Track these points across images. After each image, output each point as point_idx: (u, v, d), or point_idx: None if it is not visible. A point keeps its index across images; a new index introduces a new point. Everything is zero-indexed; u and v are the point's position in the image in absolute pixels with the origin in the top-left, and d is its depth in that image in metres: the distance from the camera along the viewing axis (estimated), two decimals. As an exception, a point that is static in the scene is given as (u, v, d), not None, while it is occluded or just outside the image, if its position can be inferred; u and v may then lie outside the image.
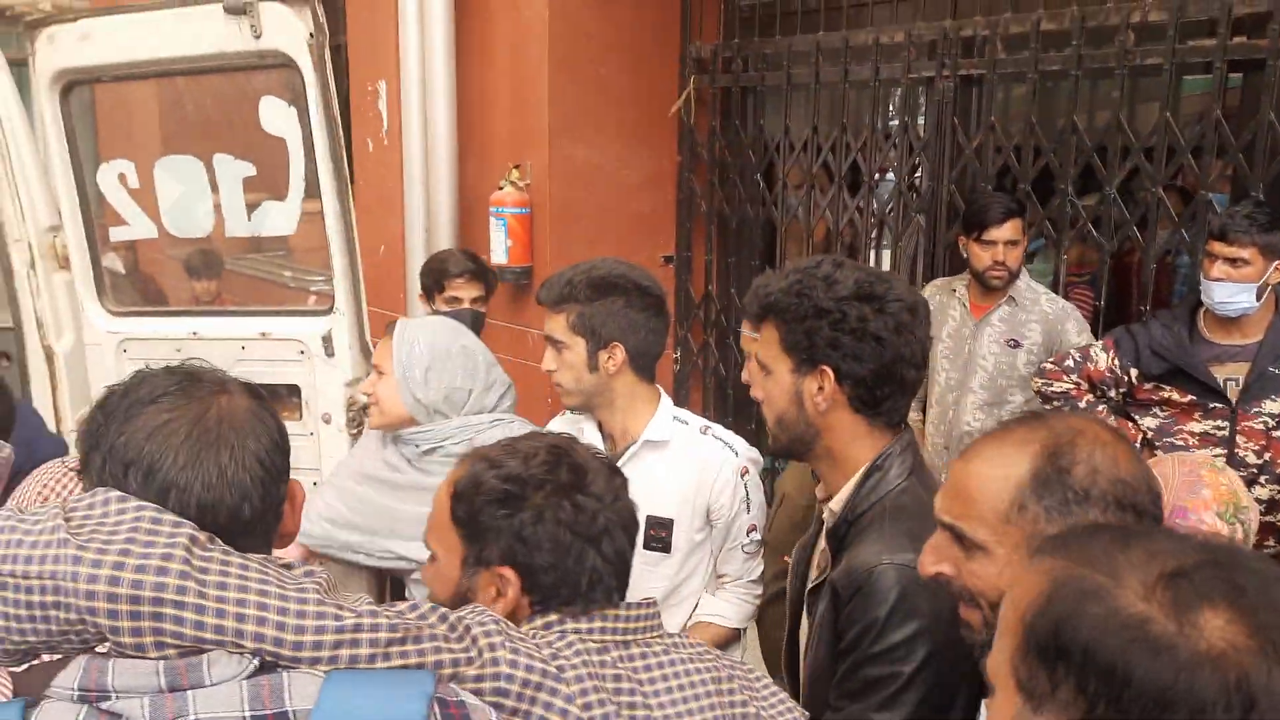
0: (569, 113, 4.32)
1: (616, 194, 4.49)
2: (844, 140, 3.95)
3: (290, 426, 2.87)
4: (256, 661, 1.11)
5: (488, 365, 2.29)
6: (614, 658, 1.36)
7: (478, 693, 1.22)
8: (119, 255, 4.55)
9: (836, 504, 1.66)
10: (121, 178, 2.96)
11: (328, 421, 2.82)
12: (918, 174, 3.92)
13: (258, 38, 2.59)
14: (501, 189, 4.41)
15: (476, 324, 3.21)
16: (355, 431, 2.77)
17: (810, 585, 1.70)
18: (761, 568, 2.33)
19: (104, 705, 1.09)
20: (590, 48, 4.30)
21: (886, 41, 3.75)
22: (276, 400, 2.99)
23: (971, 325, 3.48)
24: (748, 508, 2.24)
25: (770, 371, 1.67)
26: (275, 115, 2.71)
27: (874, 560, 1.53)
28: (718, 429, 2.27)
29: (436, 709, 1.13)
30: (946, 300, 3.59)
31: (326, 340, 2.80)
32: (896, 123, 3.96)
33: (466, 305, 3.44)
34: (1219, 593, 0.87)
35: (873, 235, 4.05)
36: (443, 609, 1.26)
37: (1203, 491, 2.01)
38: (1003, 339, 3.42)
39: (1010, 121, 3.93)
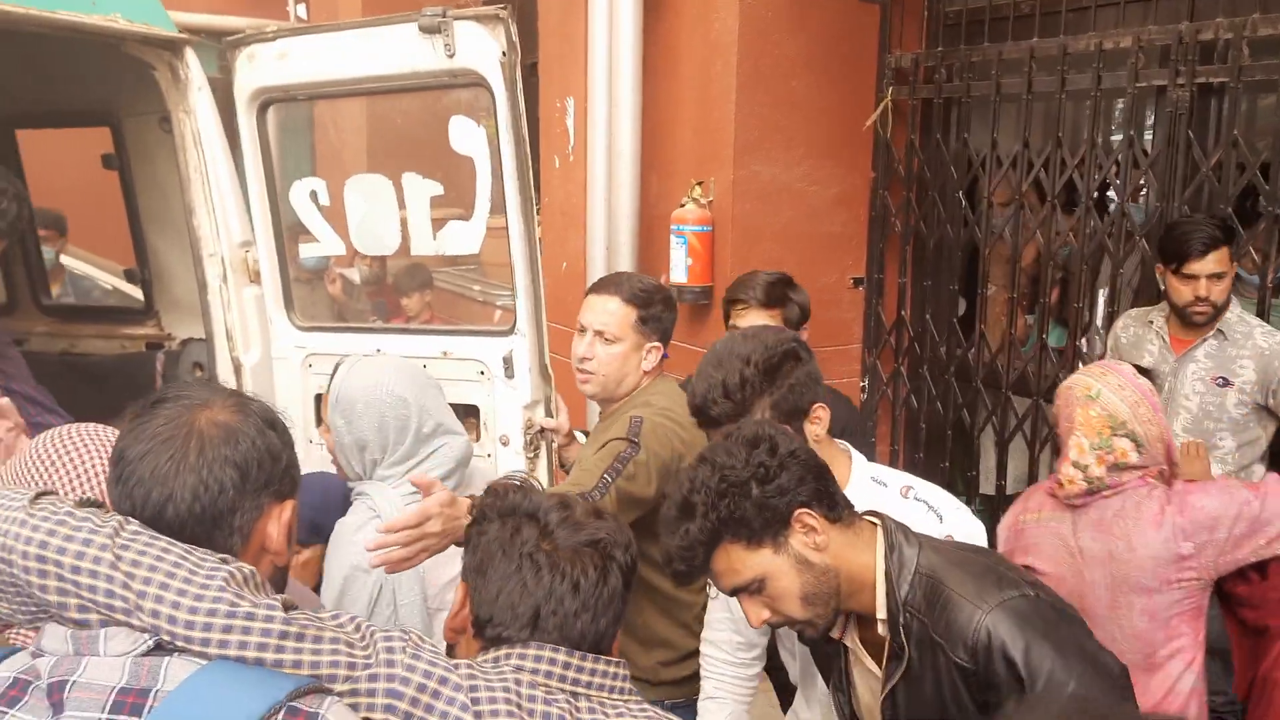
0: (756, 127, 4.14)
1: (804, 212, 4.29)
2: (1059, 156, 3.62)
3: (467, 447, 2.81)
4: (151, 641, 1.21)
5: (416, 424, 2.14)
6: (559, 711, 1.32)
7: (370, 694, 1.25)
8: (357, 269, 4.67)
9: (882, 609, 1.64)
10: (313, 195, 2.97)
11: (505, 444, 2.74)
12: (1143, 193, 3.54)
13: (450, 56, 2.55)
14: (683, 206, 4.28)
15: None
16: (533, 455, 2.67)
17: (884, 694, 1.67)
18: None
19: (38, 662, 1.22)
20: (781, 60, 4.11)
21: (1111, 47, 3.41)
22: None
23: (1172, 362, 3.15)
24: None
25: (769, 582, 1.62)
26: (464, 134, 2.66)
27: (973, 617, 1.53)
28: (921, 487, 2.03)
29: (282, 713, 1.17)
30: (1143, 333, 3.25)
31: (507, 361, 2.72)
32: (1120, 137, 3.60)
33: None
34: None
35: (1089, 260, 3.70)
36: (359, 621, 1.32)
37: (1070, 442, 2.25)
38: (1209, 377, 3.08)
39: (1256, 136, 3.51)
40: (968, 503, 4.10)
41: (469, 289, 5.23)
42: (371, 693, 1.26)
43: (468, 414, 2.81)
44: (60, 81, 3.52)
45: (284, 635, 1.22)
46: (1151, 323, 3.23)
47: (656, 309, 2.48)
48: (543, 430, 2.70)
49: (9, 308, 3.74)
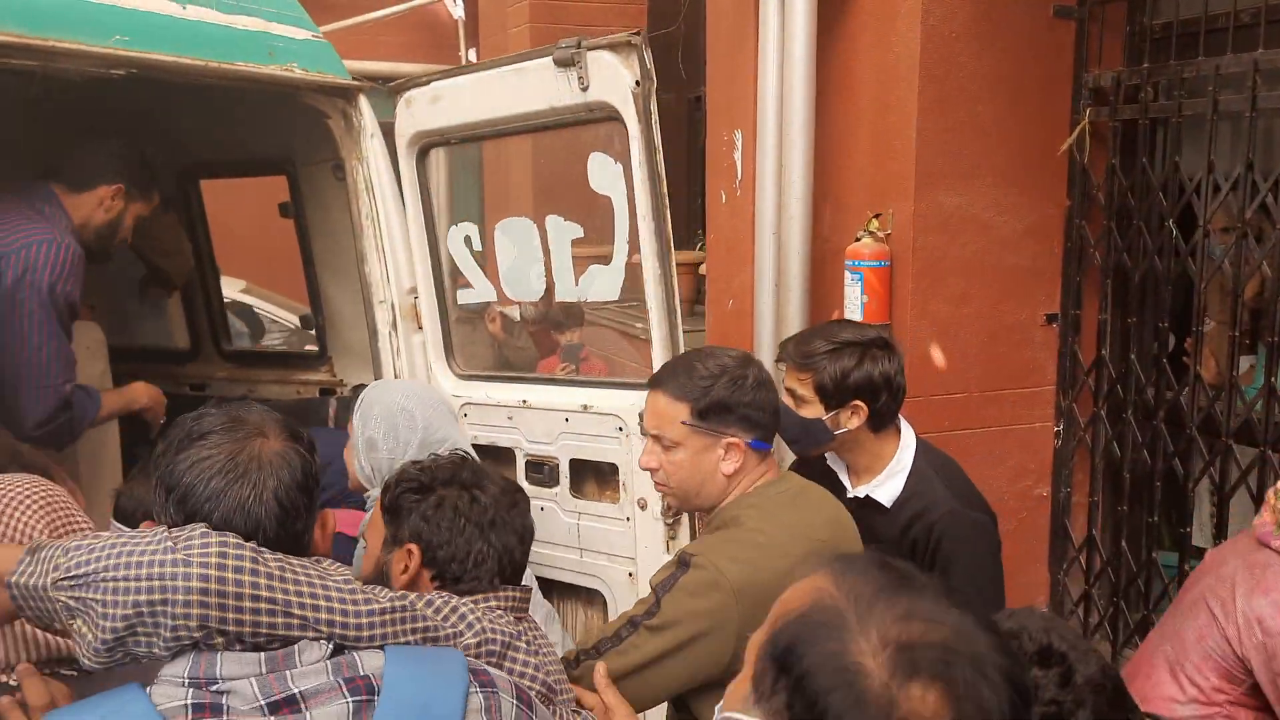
0: (940, 154, 3.88)
1: (991, 244, 3.98)
2: (1290, 178, 3.19)
3: (606, 510, 2.71)
4: (331, 646, 1.41)
5: (422, 434, 2.40)
6: (521, 629, 1.70)
7: (478, 653, 1.58)
8: (519, 306, 4.73)
9: None
10: (467, 240, 2.95)
11: (643, 507, 2.59)
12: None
13: (584, 90, 2.45)
14: (859, 240, 4.05)
15: None
16: (671, 521, 2.52)
17: None
18: None
19: (212, 689, 1.34)
20: (966, 83, 3.84)
21: (1352, 54, 2.98)
22: (600, 478, 2.82)
23: None
24: None
25: None
26: (603, 172, 2.56)
27: None
28: None
29: (475, 682, 1.45)
30: None
31: (643, 417, 2.59)
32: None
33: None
34: (934, 673, 0.93)
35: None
36: (419, 597, 1.58)
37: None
38: None
39: None
40: (1180, 562, 3.68)
41: (632, 326, 5.13)
42: (479, 653, 1.59)
43: (611, 472, 2.69)
44: (240, 132, 3.67)
45: (405, 620, 1.48)
46: None
47: (721, 394, 2.00)
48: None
49: (192, 354, 3.92)
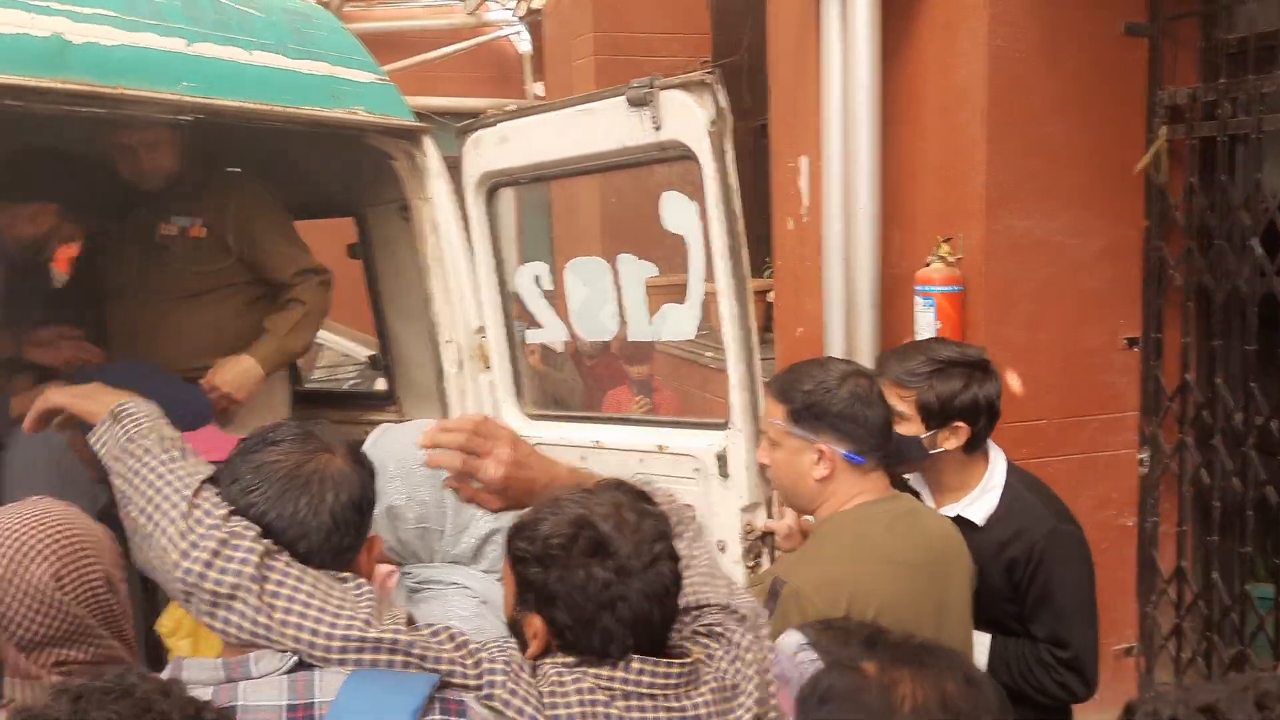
0: (1010, 177, 3.81)
1: (1066, 267, 3.89)
2: (1381, 194, 3.07)
3: (680, 552, 2.66)
4: (294, 659, 1.41)
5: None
6: (622, 707, 1.49)
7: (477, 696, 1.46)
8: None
9: None
10: (536, 279, 2.94)
11: (723, 550, 2.54)
12: None
13: (657, 129, 2.44)
14: (929, 265, 3.98)
15: None
16: (753, 563, 2.47)
17: None
18: None
19: (190, 692, 1.35)
20: (1035, 104, 3.77)
21: None
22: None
23: None
24: None
25: None
26: (676, 211, 2.54)
27: None
28: None
29: (436, 705, 1.40)
30: None
31: (721, 459, 2.54)
32: None
33: None
34: None
35: None
36: (465, 639, 1.50)
37: None
38: None
39: None
40: (1277, 593, 3.54)
41: (700, 355, 5.09)
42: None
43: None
44: (309, 175, 3.70)
45: (407, 663, 1.43)
46: None
47: (812, 401, 2.05)
48: (764, 535, 2.49)
49: (264, 393, 3.94)
